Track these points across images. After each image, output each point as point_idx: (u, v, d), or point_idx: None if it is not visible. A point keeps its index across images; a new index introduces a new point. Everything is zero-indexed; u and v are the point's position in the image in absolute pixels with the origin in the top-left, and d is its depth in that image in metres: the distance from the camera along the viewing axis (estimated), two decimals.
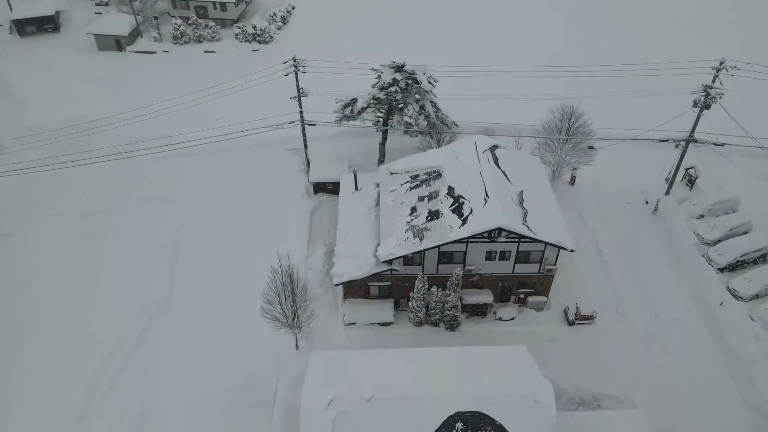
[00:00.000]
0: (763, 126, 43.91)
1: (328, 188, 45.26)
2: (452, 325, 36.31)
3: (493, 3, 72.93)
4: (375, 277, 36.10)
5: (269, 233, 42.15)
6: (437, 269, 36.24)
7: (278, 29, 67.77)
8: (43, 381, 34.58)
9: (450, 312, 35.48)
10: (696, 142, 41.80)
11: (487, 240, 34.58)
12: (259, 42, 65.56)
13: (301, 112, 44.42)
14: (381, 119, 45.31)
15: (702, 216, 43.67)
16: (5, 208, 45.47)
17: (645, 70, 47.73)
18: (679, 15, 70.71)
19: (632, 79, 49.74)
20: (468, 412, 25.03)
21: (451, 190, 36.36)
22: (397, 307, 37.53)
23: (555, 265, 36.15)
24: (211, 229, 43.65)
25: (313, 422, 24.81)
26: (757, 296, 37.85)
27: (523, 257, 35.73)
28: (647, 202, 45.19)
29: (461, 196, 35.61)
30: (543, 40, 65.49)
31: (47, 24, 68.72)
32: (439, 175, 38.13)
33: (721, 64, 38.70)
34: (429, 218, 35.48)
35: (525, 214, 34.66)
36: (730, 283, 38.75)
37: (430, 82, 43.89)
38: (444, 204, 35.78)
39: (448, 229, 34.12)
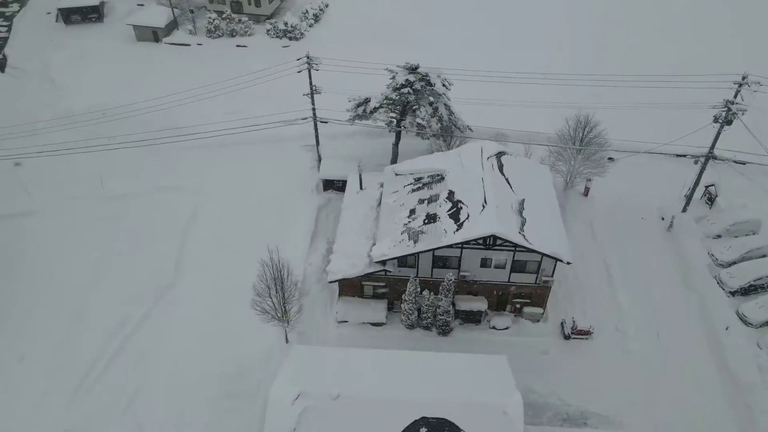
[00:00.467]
0: None
1: (337, 186, 45.59)
2: (444, 330, 36.04)
3: (530, 13, 71.76)
4: (369, 277, 36.18)
5: (275, 227, 42.66)
6: (432, 273, 36.03)
7: (309, 26, 68.50)
8: (45, 357, 36.00)
9: (442, 317, 35.23)
10: (716, 159, 40.22)
11: (482, 247, 34.19)
12: (290, 38, 66.43)
13: (314, 109, 44.89)
14: (394, 120, 45.30)
15: (719, 236, 41.96)
16: (31, 188, 47.51)
17: (664, 81, 46.08)
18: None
19: (650, 90, 48.11)
20: (434, 418, 24.84)
21: (451, 195, 36.09)
22: (390, 308, 37.52)
23: (552, 276, 35.41)
24: (221, 220, 44.55)
25: (278, 415, 25.10)
26: (767, 324, 36.14)
27: (519, 267, 35.15)
28: (663, 218, 43.71)
29: (460, 201, 35.31)
30: (562, 47, 64.54)
31: (92, 14, 71.37)
32: (442, 178, 37.89)
33: (743, 78, 37.10)
34: (426, 221, 35.31)
35: (523, 223, 34.09)
36: (741, 307, 37.12)
37: (444, 85, 43.61)
38: (442, 208, 35.53)
39: (443, 234, 33.88)
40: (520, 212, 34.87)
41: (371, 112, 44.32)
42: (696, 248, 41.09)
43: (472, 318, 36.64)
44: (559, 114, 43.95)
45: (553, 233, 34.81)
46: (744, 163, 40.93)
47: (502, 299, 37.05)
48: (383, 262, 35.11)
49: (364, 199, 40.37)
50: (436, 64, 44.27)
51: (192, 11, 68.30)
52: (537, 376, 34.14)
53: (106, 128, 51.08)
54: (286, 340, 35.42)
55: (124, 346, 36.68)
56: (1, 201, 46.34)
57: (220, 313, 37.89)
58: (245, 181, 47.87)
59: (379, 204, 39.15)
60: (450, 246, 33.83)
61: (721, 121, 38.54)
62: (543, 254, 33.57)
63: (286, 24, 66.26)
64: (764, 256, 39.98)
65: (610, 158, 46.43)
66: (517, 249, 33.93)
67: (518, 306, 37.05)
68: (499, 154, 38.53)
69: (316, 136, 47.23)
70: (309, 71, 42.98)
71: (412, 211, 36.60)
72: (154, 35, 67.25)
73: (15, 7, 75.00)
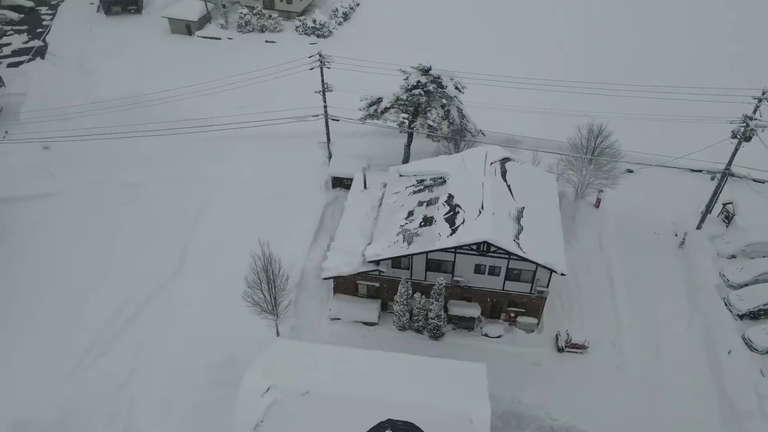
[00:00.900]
0: None
1: (345, 183, 45.79)
2: (435, 335, 35.83)
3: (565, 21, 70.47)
4: (364, 276, 36.29)
5: (280, 221, 43.17)
6: (425, 276, 35.88)
7: (338, 24, 68.95)
8: (50, 335, 37.38)
9: (433, 321, 35.03)
10: (733, 176, 38.66)
11: (476, 252, 33.84)
12: (318, 36, 67.00)
13: (325, 107, 45.19)
14: (406, 121, 45.22)
15: (734, 256, 40.37)
16: (55, 170, 49.39)
17: (673, 92, 44.53)
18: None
19: (666, 102, 46.56)
20: (400, 421, 24.72)
21: (450, 198, 35.84)
22: (384, 308, 37.53)
23: (547, 287, 34.75)
24: (230, 212, 45.27)
25: (247, 406, 25.45)
26: None
27: (513, 275, 34.67)
28: (677, 235, 42.28)
29: (458, 206, 35.03)
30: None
31: (131, 5, 73.52)
32: (444, 181, 37.67)
33: (763, 93, 35.57)
34: (422, 224, 35.17)
35: (519, 231, 33.58)
36: (747, 332, 35.63)
37: (456, 88, 43.33)
38: (440, 211, 35.33)
39: (437, 237, 33.69)
40: (518, 220, 34.33)
41: (382, 112, 44.36)
42: (707, 267, 39.67)
43: (464, 324, 36.32)
44: (568, 122, 42.94)
45: (550, 243, 34.18)
46: (764, 182, 39.18)
47: (496, 307, 36.58)
48: (377, 262, 35.14)
49: (367, 198, 40.49)
50: (459, 68, 43.79)
51: (224, 6, 69.65)
52: (525, 387, 33.64)
53: (132, 115, 52.57)
54: (277, 333, 35.82)
55: (124, 330, 37.69)
56: (26, 182, 48.31)
57: (217, 302, 38.43)
58: (258, 174, 48.46)
59: (381, 204, 39.19)
60: (443, 250, 33.62)
61: (739, 136, 37.05)
62: (537, 264, 33.00)
63: (314, 21, 66.87)
64: None
65: (629, 170, 45.29)
66: (511, 257, 33.45)
67: (512, 315, 36.52)
68: (504, 160, 38.00)
69: (327, 134, 47.58)
70: (321, 69, 43.28)
71: (411, 213, 36.51)
72: (187, 28, 68.87)
73: None
